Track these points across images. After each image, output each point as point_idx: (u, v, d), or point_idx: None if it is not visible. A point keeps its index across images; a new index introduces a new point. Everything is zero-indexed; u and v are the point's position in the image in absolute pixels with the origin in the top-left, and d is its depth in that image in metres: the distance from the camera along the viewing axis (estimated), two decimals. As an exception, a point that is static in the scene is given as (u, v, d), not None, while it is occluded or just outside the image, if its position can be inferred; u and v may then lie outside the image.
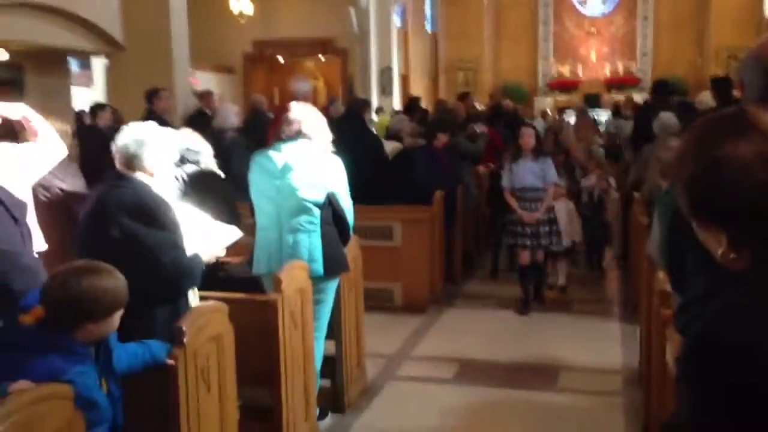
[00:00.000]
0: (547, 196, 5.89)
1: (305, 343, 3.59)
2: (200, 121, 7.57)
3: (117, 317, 2.28)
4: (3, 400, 1.87)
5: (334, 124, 6.49)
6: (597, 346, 5.23)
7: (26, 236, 2.64)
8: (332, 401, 4.18)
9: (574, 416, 4.15)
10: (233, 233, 3.29)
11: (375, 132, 7.71)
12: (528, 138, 5.88)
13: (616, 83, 19.62)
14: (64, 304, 2.17)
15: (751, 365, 1.04)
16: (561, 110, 12.84)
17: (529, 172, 5.86)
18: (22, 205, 2.66)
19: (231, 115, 6.89)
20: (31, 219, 3.19)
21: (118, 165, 2.81)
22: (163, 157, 2.85)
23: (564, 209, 6.36)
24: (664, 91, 7.81)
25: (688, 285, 2.31)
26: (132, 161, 2.76)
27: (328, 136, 3.84)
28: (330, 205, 3.76)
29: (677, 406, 1.15)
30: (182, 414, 2.56)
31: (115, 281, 2.25)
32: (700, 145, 1.21)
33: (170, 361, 2.53)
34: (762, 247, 1.16)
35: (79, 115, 8.48)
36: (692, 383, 1.13)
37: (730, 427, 1.05)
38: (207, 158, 3.89)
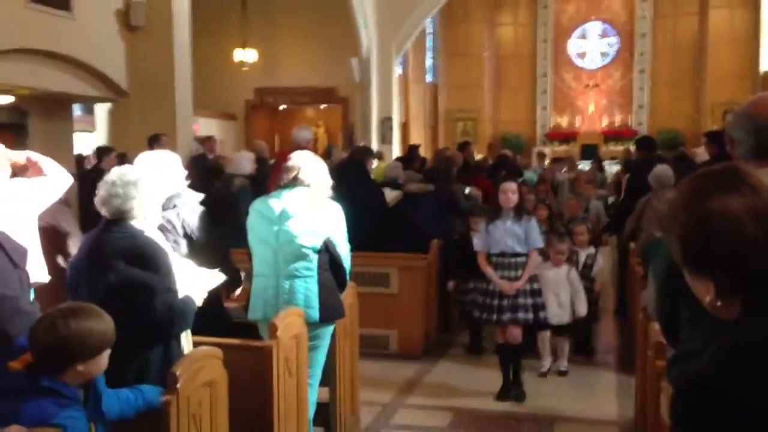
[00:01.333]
0: (530, 262, 4.95)
1: (299, 391, 3.57)
2: (201, 163, 7.68)
3: (105, 357, 2.29)
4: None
5: (335, 170, 6.59)
6: (593, 397, 5.20)
7: (24, 281, 2.66)
8: (325, 450, 4.13)
9: (570, 469, 4.10)
10: (217, 277, 3.30)
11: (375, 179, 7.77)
12: (509, 194, 4.92)
13: (613, 135, 19.86)
14: (52, 347, 2.18)
15: (740, 409, 1.07)
16: (555, 159, 12.60)
17: (508, 235, 4.92)
18: (23, 251, 2.69)
19: (245, 162, 6.89)
20: (36, 250, 3.26)
21: (106, 213, 2.78)
22: (152, 201, 2.86)
23: (565, 277, 5.53)
24: (648, 147, 7.60)
25: (681, 337, 2.32)
26: (121, 208, 2.75)
27: (329, 182, 3.88)
28: (327, 251, 3.78)
29: None
30: (173, 461, 2.54)
31: (102, 322, 2.27)
32: (693, 197, 1.25)
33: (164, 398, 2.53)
34: (748, 296, 1.20)
35: (80, 159, 8.57)
36: (682, 425, 1.16)
37: None
38: (188, 197, 3.83)
